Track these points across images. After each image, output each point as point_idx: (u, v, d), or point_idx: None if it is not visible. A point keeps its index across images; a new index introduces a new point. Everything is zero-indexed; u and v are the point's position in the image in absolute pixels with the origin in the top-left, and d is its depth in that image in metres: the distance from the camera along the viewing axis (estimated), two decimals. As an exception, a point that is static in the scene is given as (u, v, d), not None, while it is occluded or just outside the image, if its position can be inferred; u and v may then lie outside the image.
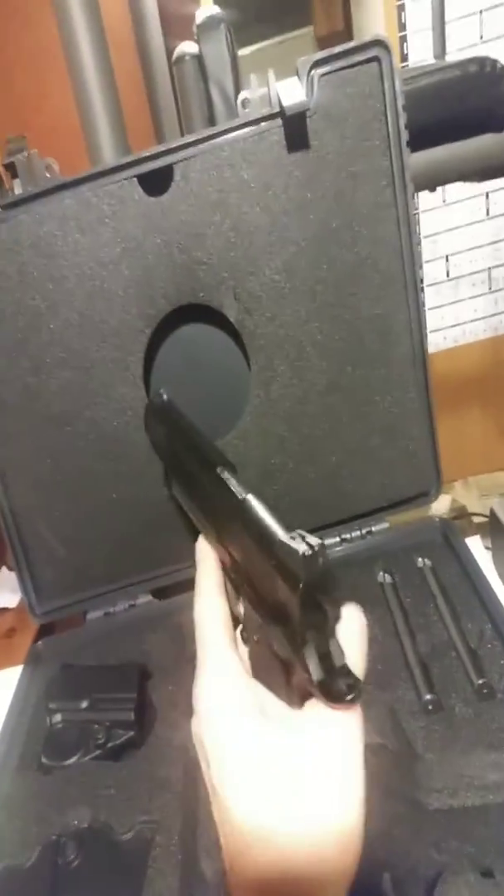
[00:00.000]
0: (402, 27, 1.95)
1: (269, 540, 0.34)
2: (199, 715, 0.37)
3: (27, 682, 0.67)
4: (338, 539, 0.69)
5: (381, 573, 0.64)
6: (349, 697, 0.32)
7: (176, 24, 1.60)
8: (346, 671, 0.33)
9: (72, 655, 0.68)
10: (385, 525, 0.69)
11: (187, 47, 0.86)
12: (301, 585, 0.31)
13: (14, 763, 0.58)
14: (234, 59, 0.87)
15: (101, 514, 0.69)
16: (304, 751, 0.33)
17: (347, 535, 0.69)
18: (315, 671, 0.33)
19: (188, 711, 0.55)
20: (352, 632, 0.35)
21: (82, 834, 0.49)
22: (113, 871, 0.46)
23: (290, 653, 0.34)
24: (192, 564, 0.70)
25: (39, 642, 0.71)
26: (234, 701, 0.35)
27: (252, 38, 2.36)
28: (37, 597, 0.70)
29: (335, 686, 0.33)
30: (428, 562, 0.63)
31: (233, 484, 0.42)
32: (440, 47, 1.51)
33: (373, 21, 2.03)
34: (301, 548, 0.31)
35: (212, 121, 0.86)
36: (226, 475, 0.44)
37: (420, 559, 0.64)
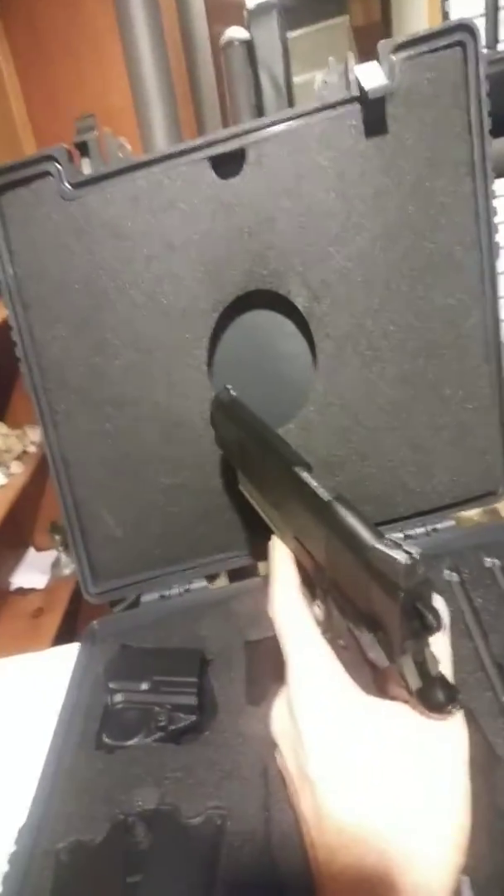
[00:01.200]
0: (446, 16, 1.91)
1: (362, 545, 0.34)
2: (294, 707, 0.36)
3: (86, 661, 0.66)
4: (401, 535, 0.68)
5: (448, 571, 0.63)
6: (449, 707, 0.32)
7: (219, 11, 1.58)
8: (443, 680, 0.33)
9: (127, 636, 0.68)
10: (451, 523, 0.68)
11: (236, 32, 0.85)
12: (402, 594, 0.31)
13: (76, 739, 0.58)
14: (285, 45, 0.86)
15: (160, 497, 0.69)
16: (411, 753, 0.32)
17: (411, 532, 0.68)
18: (413, 680, 0.33)
19: (251, 701, 0.55)
20: (440, 640, 0.34)
21: (150, 815, 0.49)
22: (184, 855, 0.46)
23: (386, 660, 0.33)
24: (248, 553, 0.71)
25: (95, 622, 0.71)
26: (338, 692, 0.35)
27: (288, 26, 2.34)
28: (92, 576, 0.70)
29: (434, 695, 0.33)
30: (497, 561, 0.62)
31: (315, 485, 0.41)
32: (493, 36, 1.48)
33: (413, 11, 2.00)
34: (401, 556, 0.31)
35: (260, 109, 0.85)
36: (305, 475, 0.43)
37: (488, 559, 0.63)
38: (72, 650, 0.75)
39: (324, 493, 0.40)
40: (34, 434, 2.00)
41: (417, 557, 0.31)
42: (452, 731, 0.33)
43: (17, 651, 0.86)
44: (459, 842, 0.31)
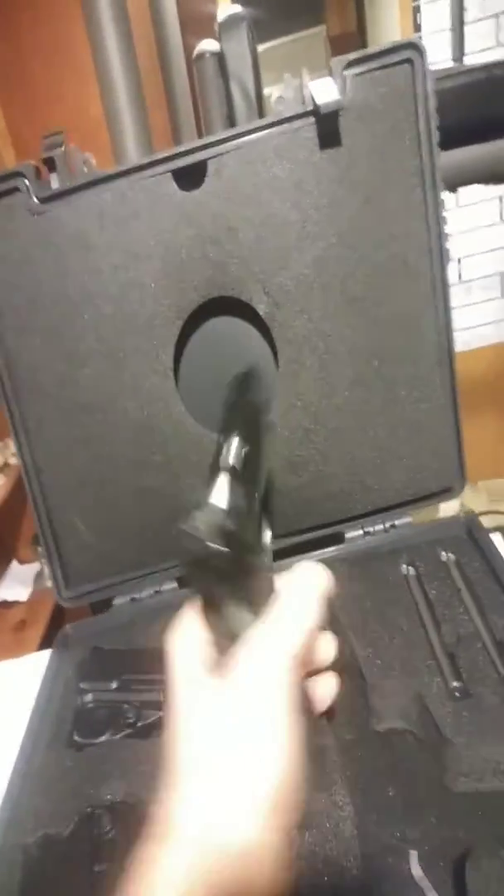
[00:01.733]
0: (418, 28, 1.96)
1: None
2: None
3: (56, 664, 0.68)
4: (361, 532, 0.71)
5: (405, 566, 0.66)
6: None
7: (194, 23, 1.61)
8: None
9: (99, 639, 0.69)
10: (408, 519, 0.70)
11: (208, 45, 0.88)
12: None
13: (46, 739, 0.59)
14: (255, 57, 0.88)
15: (131, 502, 0.71)
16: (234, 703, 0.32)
17: (371, 529, 0.70)
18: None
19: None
20: (302, 584, 0.36)
21: (116, 807, 0.50)
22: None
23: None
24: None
25: (68, 626, 0.73)
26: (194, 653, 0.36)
27: (264, 37, 2.37)
28: (65, 582, 0.72)
29: None
30: (452, 556, 0.65)
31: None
32: (459, 50, 1.52)
33: (387, 22, 2.05)
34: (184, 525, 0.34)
35: (231, 119, 0.88)
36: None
37: (444, 553, 0.65)
38: (46, 657, 0.76)
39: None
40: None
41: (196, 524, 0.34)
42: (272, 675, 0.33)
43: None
44: (278, 802, 0.31)
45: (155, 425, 0.69)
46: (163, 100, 1.51)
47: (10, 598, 2.12)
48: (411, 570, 0.65)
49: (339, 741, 0.50)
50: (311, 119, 0.63)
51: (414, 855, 0.43)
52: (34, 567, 2.21)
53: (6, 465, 1.96)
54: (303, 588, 0.36)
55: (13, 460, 1.99)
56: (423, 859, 0.43)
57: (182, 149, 0.64)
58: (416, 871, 0.44)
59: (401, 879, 0.42)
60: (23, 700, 0.71)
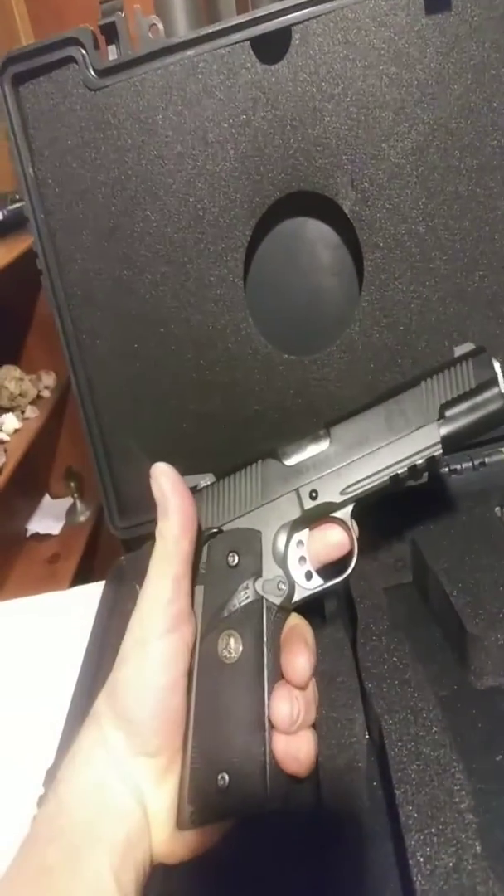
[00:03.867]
0: None
1: None
2: None
3: (112, 597, 0.63)
4: (446, 470, 0.63)
5: (499, 508, 0.58)
6: None
7: None
8: None
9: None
10: (501, 457, 0.63)
11: None
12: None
13: (104, 674, 0.54)
14: None
15: (191, 425, 0.64)
16: None
17: (458, 466, 0.63)
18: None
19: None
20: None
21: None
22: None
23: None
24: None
25: (122, 558, 0.68)
26: None
27: None
28: (118, 510, 0.66)
29: None
30: (551, 497, 0.57)
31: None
32: None
33: None
34: None
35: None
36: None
37: (542, 494, 0.58)
38: (94, 590, 0.72)
39: None
40: (49, 379, 1.96)
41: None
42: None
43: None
44: None
45: (220, 341, 0.62)
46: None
47: (43, 531, 2.11)
48: (505, 513, 0.58)
49: (433, 696, 0.44)
50: (418, -24, 0.53)
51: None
52: (66, 501, 2.19)
53: (39, 397, 1.91)
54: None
55: (46, 393, 1.94)
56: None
57: (262, 12, 0.55)
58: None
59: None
60: (70, 635, 0.67)
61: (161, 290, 0.61)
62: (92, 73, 0.56)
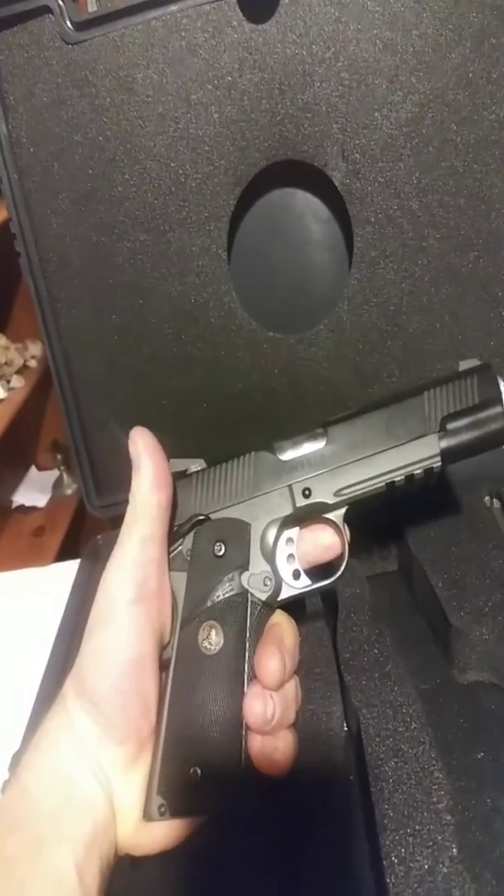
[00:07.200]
0: None
1: None
2: None
3: (88, 575, 0.61)
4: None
5: (488, 497, 0.57)
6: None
7: None
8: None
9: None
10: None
11: None
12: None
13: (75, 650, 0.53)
14: None
15: (171, 401, 0.62)
16: None
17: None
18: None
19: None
20: None
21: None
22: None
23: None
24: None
25: (99, 536, 0.66)
26: None
27: None
28: (96, 488, 0.64)
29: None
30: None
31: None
32: None
33: None
34: None
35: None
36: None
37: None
38: (73, 566, 0.70)
39: None
40: (36, 348, 1.92)
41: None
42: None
43: (19, 568, 0.82)
44: None
45: (202, 315, 0.60)
46: None
47: (28, 503, 2.08)
48: (496, 503, 0.56)
49: (414, 690, 0.43)
50: None
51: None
52: (53, 474, 2.17)
53: (25, 367, 1.87)
54: None
55: (32, 363, 1.90)
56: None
57: (252, -34, 0.51)
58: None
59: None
60: (47, 611, 0.66)
61: (140, 259, 0.58)
62: (69, 25, 0.53)
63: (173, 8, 0.52)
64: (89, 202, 0.56)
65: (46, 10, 0.52)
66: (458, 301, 0.58)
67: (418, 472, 0.42)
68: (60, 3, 0.52)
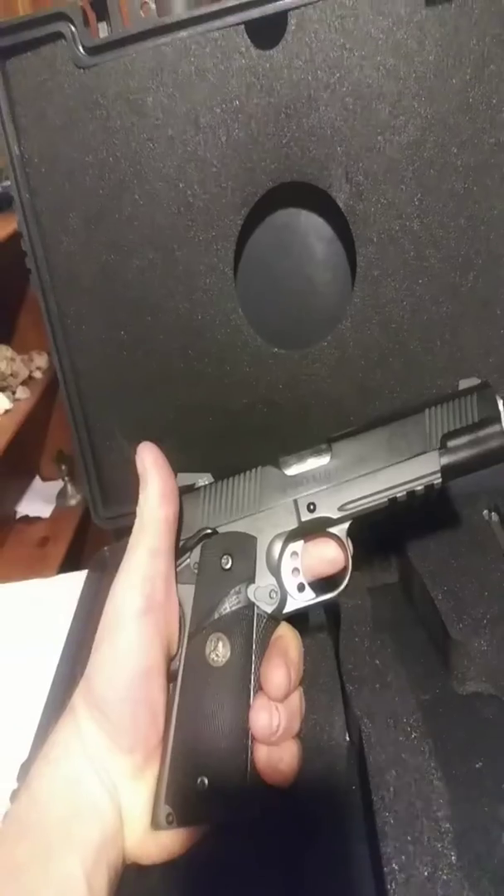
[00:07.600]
0: None
1: None
2: None
3: (95, 586, 0.62)
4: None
5: (487, 511, 0.58)
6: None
7: None
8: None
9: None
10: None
11: None
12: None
13: (81, 671, 0.54)
14: None
15: (177, 416, 0.63)
16: None
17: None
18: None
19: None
20: None
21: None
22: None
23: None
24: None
25: (105, 548, 0.67)
26: None
27: None
28: (102, 501, 0.65)
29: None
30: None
31: None
32: None
33: None
34: None
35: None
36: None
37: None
38: (79, 578, 0.71)
39: None
40: (41, 360, 1.94)
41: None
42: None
43: (24, 579, 0.83)
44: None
45: (208, 332, 0.61)
46: None
47: (33, 513, 2.10)
48: (494, 516, 0.57)
49: (414, 701, 0.44)
50: (420, -35, 0.51)
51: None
52: (57, 484, 2.18)
53: (31, 378, 1.89)
54: None
55: (37, 374, 1.92)
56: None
57: (260, -4, 0.53)
58: None
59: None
60: (52, 622, 0.66)
61: (148, 277, 0.59)
62: (81, 50, 0.54)
63: (183, 34, 0.54)
64: (99, 221, 0.58)
65: (59, 35, 0.54)
66: (458, 319, 0.59)
67: (419, 488, 0.43)
68: (73, 29, 0.54)
